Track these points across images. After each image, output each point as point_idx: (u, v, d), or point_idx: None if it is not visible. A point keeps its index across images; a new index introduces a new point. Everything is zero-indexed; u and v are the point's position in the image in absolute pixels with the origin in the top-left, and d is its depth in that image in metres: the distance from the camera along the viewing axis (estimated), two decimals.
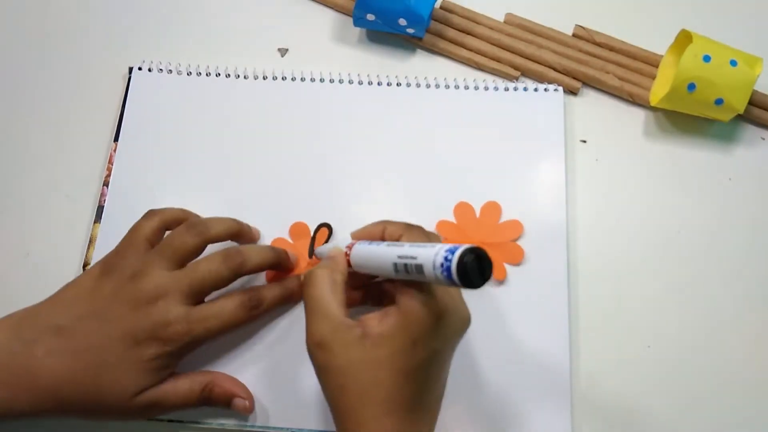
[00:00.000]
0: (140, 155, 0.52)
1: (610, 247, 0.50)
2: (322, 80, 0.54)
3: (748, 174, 0.52)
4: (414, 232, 0.40)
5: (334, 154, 0.52)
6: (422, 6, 0.53)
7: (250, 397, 0.44)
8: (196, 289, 0.41)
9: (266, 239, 0.49)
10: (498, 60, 0.55)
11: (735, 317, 0.48)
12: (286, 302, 0.46)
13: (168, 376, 0.41)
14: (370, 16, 0.54)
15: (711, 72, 0.49)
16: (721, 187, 0.52)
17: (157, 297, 0.40)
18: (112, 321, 0.40)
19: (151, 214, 0.44)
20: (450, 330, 0.38)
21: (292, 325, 0.47)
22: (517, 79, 0.55)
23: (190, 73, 0.55)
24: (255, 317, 0.44)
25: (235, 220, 0.46)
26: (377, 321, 0.37)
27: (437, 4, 0.57)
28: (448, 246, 0.33)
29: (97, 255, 0.49)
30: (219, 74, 0.54)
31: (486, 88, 0.54)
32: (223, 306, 0.42)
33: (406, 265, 0.35)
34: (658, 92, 0.53)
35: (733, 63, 0.50)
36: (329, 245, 0.43)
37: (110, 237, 0.48)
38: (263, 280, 0.47)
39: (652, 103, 0.53)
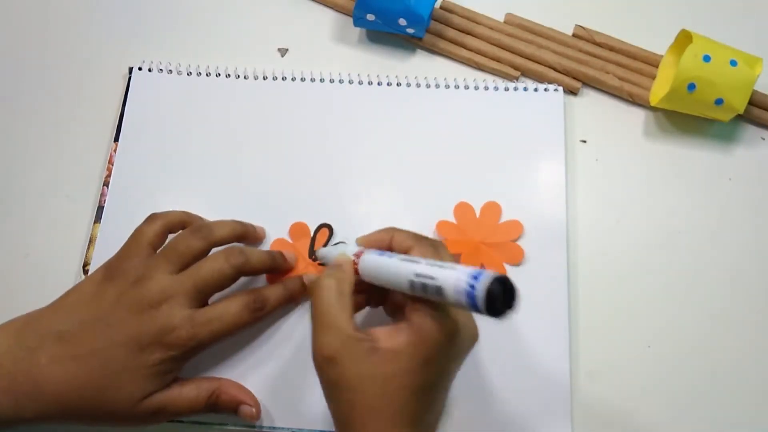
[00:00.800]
0: (140, 155, 0.52)
1: (610, 247, 0.50)
2: (322, 80, 0.54)
3: (748, 174, 0.52)
4: (424, 245, 0.39)
5: (334, 153, 0.52)
6: (422, 6, 0.53)
7: (256, 404, 0.43)
8: (201, 290, 0.41)
9: (268, 239, 0.49)
10: (498, 60, 0.55)
11: (735, 317, 0.48)
12: (288, 303, 0.46)
13: (173, 382, 0.41)
14: (370, 16, 0.54)
15: (711, 72, 0.49)
16: (721, 187, 0.52)
17: (161, 301, 0.40)
18: (116, 326, 0.40)
19: (153, 218, 0.44)
20: (460, 348, 0.38)
21: (294, 326, 0.47)
22: (517, 79, 0.55)
23: (190, 73, 0.55)
24: (259, 319, 0.43)
25: (239, 222, 0.46)
26: (387, 336, 0.36)
27: (437, 4, 0.57)
28: (469, 270, 0.33)
29: (97, 255, 0.49)
30: (219, 74, 0.54)
31: (486, 88, 0.54)
32: (227, 308, 0.42)
33: (424, 285, 0.34)
34: (658, 92, 0.53)
35: (733, 63, 0.50)
36: (335, 250, 0.43)
37: (110, 237, 0.49)
38: (264, 283, 0.47)
39: (652, 103, 0.53)
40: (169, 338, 0.40)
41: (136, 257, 0.42)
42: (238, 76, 0.54)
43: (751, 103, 0.53)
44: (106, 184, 0.51)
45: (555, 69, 0.55)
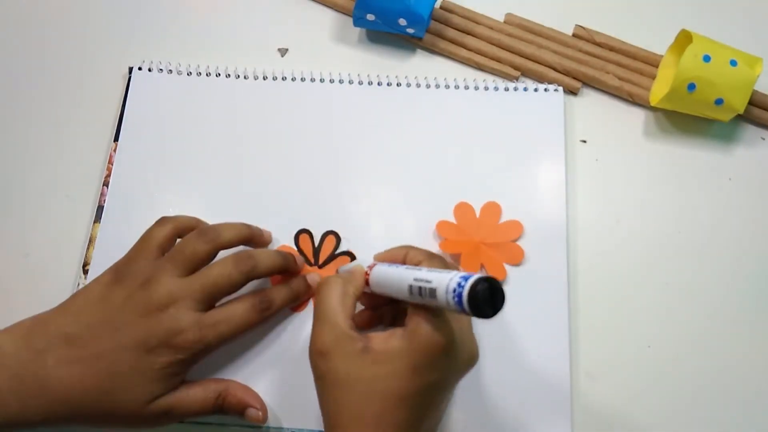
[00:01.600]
0: (140, 155, 0.52)
1: (610, 247, 0.50)
2: (322, 80, 0.54)
3: (748, 174, 0.52)
4: (434, 260, 0.40)
5: (334, 153, 0.52)
6: (422, 6, 0.53)
7: (263, 407, 0.43)
8: (208, 294, 0.41)
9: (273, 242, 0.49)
10: (498, 60, 0.55)
11: (735, 317, 0.48)
12: (293, 302, 0.46)
13: (180, 384, 0.41)
14: (370, 16, 0.54)
15: (711, 72, 0.49)
16: (721, 187, 0.52)
17: (168, 304, 0.40)
18: (123, 329, 0.40)
19: (163, 221, 0.44)
20: (454, 363, 0.37)
21: (300, 327, 0.47)
22: (517, 79, 0.55)
23: (190, 73, 0.55)
24: (265, 319, 0.44)
25: (246, 225, 0.46)
26: (382, 339, 0.37)
27: (437, 4, 0.57)
28: (462, 273, 0.33)
29: (97, 255, 0.49)
30: (219, 74, 0.54)
31: (486, 88, 0.54)
32: (233, 310, 0.42)
33: (420, 288, 0.35)
34: (658, 92, 0.53)
35: (733, 63, 0.50)
36: (352, 263, 0.44)
37: (110, 237, 0.49)
38: (268, 283, 0.47)
39: (652, 103, 0.53)
40: (177, 341, 0.40)
41: (143, 260, 0.42)
42: (238, 76, 0.54)
43: (751, 103, 0.53)
44: (105, 184, 0.51)
45: (555, 69, 0.55)
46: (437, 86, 0.54)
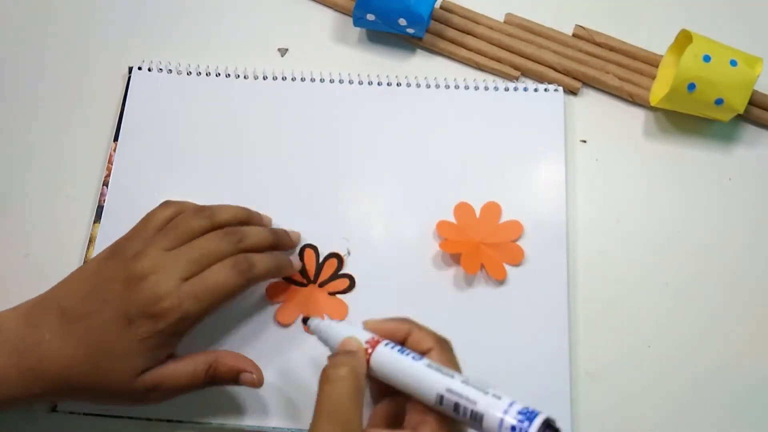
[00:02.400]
0: (140, 155, 0.52)
1: (610, 247, 0.50)
2: (322, 80, 0.54)
3: (748, 174, 0.52)
4: (446, 350, 0.36)
5: (334, 153, 0.52)
6: (422, 6, 0.53)
7: (257, 370, 0.42)
8: (194, 264, 0.41)
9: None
10: (498, 60, 0.55)
11: (735, 317, 0.48)
12: (276, 272, 0.44)
13: (168, 358, 0.40)
14: (370, 16, 0.54)
15: (711, 72, 0.49)
16: (721, 187, 0.52)
17: (149, 273, 0.40)
18: (108, 300, 0.40)
19: (167, 204, 0.44)
20: None
21: (296, 329, 0.47)
22: (517, 79, 0.55)
23: (190, 73, 0.55)
24: (248, 284, 0.42)
25: (244, 208, 0.46)
26: None
27: (437, 4, 0.57)
28: (518, 406, 0.31)
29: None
30: (219, 74, 0.54)
31: (486, 88, 0.54)
32: (213, 274, 0.41)
33: (457, 404, 0.32)
34: (658, 92, 0.53)
35: (733, 63, 0.50)
36: (341, 330, 0.38)
37: (110, 237, 0.48)
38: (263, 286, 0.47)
39: (652, 103, 0.53)
40: (155, 309, 0.39)
41: (139, 238, 0.42)
42: (238, 76, 0.54)
43: (751, 103, 0.53)
44: (105, 183, 0.51)
45: (555, 69, 0.55)
46: (437, 86, 0.54)
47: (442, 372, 0.34)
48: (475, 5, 0.58)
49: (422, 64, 0.56)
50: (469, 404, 0.32)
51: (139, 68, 0.55)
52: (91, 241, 0.49)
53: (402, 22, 0.53)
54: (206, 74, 0.54)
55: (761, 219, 0.51)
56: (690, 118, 0.53)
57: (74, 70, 0.56)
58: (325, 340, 0.39)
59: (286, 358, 0.46)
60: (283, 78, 0.54)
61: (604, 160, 0.53)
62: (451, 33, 0.56)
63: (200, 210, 0.43)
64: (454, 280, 0.48)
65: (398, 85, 0.54)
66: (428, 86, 0.54)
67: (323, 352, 0.39)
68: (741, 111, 0.50)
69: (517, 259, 0.48)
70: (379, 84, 0.54)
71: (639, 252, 0.50)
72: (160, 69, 0.55)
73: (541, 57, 0.55)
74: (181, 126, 0.53)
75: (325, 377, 0.35)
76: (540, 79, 0.55)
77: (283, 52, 0.57)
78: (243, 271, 0.41)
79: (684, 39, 0.52)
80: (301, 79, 0.54)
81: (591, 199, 0.51)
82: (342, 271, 0.48)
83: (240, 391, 0.45)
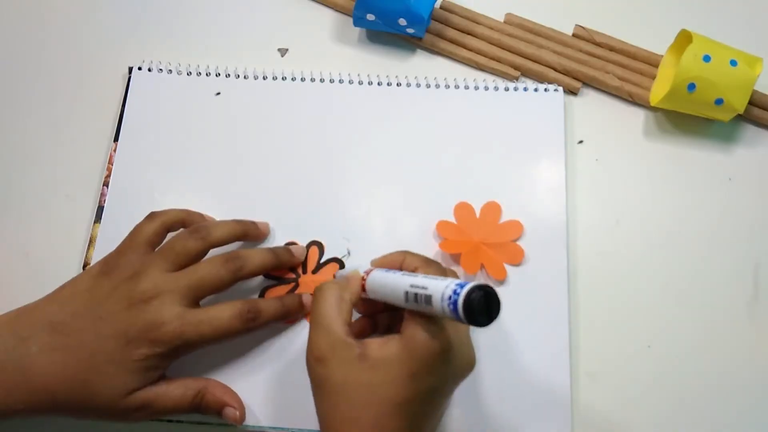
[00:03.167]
0: (140, 155, 0.52)
1: (610, 247, 0.50)
2: (322, 80, 0.54)
3: (748, 174, 0.52)
4: (431, 266, 0.40)
5: (334, 153, 0.52)
6: (422, 6, 0.53)
7: (241, 407, 0.43)
8: (195, 290, 0.41)
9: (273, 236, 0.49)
10: (498, 60, 0.55)
11: (735, 317, 0.48)
12: (283, 318, 0.45)
13: (159, 379, 0.41)
14: (370, 16, 0.54)
15: (711, 72, 0.49)
16: (721, 187, 0.52)
17: (152, 296, 0.40)
18: (106, 319, 0.40)
19: (152, 216, 0.44)
20: (451, 369, 0.37)
21: (296, 328, 0.47)
22: (517, 79, 0.55)
23: (190, 73, 0.55)
24: (250, 330, 0.43)
25: (238, 222, 0.46)
26: (378, 345, 0.37)
27: (437, 4, 0.57)
28: (458, 281, 0.33)
29: (97, 255, 0.48)
30: (219, 74, 0.54)
31: (486, 88, 0.54)
32: (219, 313, 0.41)
33: (416, 294, 0.35)
34: (658, 92, 0.53)
35: (733, 63, 0.50)
36: (349, 269, 0.44)
37: (110, 237, 0.48)
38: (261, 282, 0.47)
39: (652, 103, 0.53)
40: (156, 334, 0.40)
41: (132, 254, 0.42)
42: (238, 76, 0.54)
43: (751, 103, 0.53)
44: (106, 184, 0.51)
45: (555, 69, 0.55)
46: (437, 86, 0.54)
47: (409, 274, 0.37)
48: (475, 5, 0.58)
49: (422, 64, 0.56)
50: (423, 291, 0.35)
51: (139, 68, 0.55)
52: (91, 241, 0.49)
53: (402, 22, 0.53)
54: (206, 74, 0.54)
55: (761, 219, 0.51)
56: (690, 118, 0.53)
57: (74, 70, 0.56)
58: None
59: (287, 356, 0.46)
60: (283, 78, 0.54)
61: (604, 160, 0.53)
62: (451, 33, 0.56)
63: (195, 230, 0.43)
64: None
65: (398, 85, 0.54)
66: (428, 86, 0.54)
67: None
68: (741, 111, 0.50)
69: (517, 259, 0.48)
70: (379, 84, 0.54)
71: (639, 252, 0.50)
72: (160, 69, 0.55)
73: (541, 57, 0.55)
74: (181, 126, 0.53)
75: (315, 293, 0.40)
76: (540, 79, 0.55)
77: (283, 52, 0.57)
78: (247, 320, 0.42)
79: (684, 39, 0.52)
80: (301, 79, 0.54)
81: (591, 199, 0.51)
82: (326, 257, 0.48)
83: (240, 391, 0.45)
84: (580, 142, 0.53)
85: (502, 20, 0.57)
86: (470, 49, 0.56)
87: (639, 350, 0.47)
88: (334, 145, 0.52)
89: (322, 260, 0.48)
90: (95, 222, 0.50)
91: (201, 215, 0.48)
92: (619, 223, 0.51)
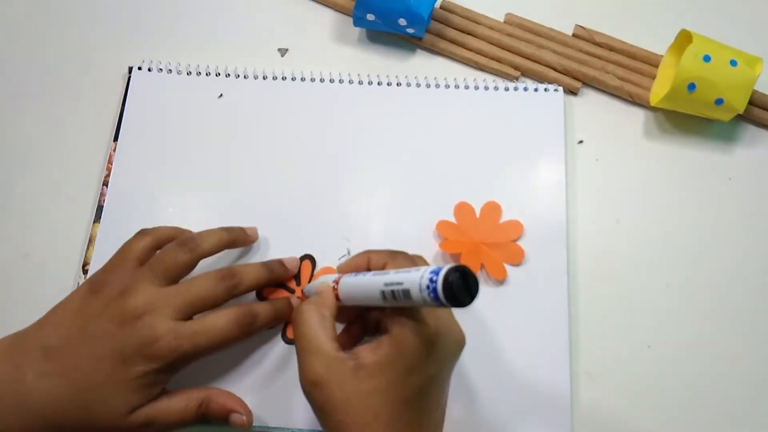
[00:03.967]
0: (140, 155, 0.52)
1: (610, 247, 0.50)
2: (322, 80, 0.54)
3: (748, 174, 0.52)
4: (398, 259, 0.39)
5: (334, 153, 0.52)
6: (422, 6, 0.53)
7: (248, 412, 0.43)
8: (189, 306, 0.41)
9: (262, 240, 0.49)
10: (498, 60, 0.55)
11: (735, 317, 0.48)
12: (278, 322, 0.45)
13: (160, 394, 0.40)
14: (370, 16, 0.54)
15: (711, 72, 0.49)
16: (721, 187, 0.52)
17: (144, 312, 0.39)
18: (100, 339, 0.39)
19: (143, 233, 0.44)
20: (444, 354, 0.38)
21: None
22: (517, 79, 0.55)
23: (190, 73, 0.55)
24: (247, 335, 0.42)
25: (226, 230, 0.46)
26: (370, 351, 0.36)
27: (437, 4, 0.57)
28: (432, 268, 0.33)
29: (97, 255, 0.48)
30: (219, 74, 0.54)
31: (486, 88, 0.54)
32: (214, 322, 0.41)
33: (393, 291, 0.35)
34: (658, 92, 0.53)
35: (733, 63, 0.50)
36: (316, 281, 0.43)
37: (110, 237, 0.49)
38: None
39: (652, 103, 0.53)
40: (151, 350, 0.39)
41: (121, 270, 0.42)
42: (238, 76, 0.54)
43: (751, 103, 0.53)
44: (105, 184, 0.51)
45: (555, 69, 0.55)
46: (437, 86, 0.54)
47: (380, 273, 0.37)
48: (475, 5, 0.58)
49: (422, 64, 0.56)
50: (399, 287, 0.34)
51: (139, 68, 0.55)
52: (91, 241, 0.49)
53: (402, 22, 0.53)
54: (206, 74, 0.54)
55: (761, 219, 0.51)
56: (690, 118, 0.53)
57: (74, 70, 0.56)
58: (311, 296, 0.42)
59: (286, 356, 0.46)
60: (283, 78, 0.54)
61: (604, 160, 0.53)
62: (451, 33, 0.56)
63: (184, 242, 0.43)
64: None
65: (398, 85, 0.54)
66: (428, 86, 0.54)
67: None
68: (741, 111, 0.50)
69: (517, 259, 0.48)
70: (379, 84, 0.54)
71: (639, 252, 0.50)
72: (160, 69, 0.55)
73: (541, 57, 0.55)
74: (181, 126, 0.53)
75: (293, 319, 0.39)
76: (540, 79, 0.55)
77: (283, 52, 0.57)
78: (244, 325, 0.42)
79: (684, 39, 0.52)
80: (301, 79, 0.54)
81: (591, 199, 0.51)
82: (341, 255, 0.48)
83: (240, 391, 0.45)
84: (580, 142, 0.53)
85: (502, 20, 0.57)
86: (470, 49, 0.56)
87: (639, 350, 0.47)
88: (334, 145, 0.52)
89: (315, 272, 0.48)
90: (95, 222, 0.50)
91: (191, 233, 0.46)
92: (619, 222, 0.51)
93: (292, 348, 0.46)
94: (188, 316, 0.41)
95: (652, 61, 0.55)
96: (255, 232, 0.48)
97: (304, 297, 0.46)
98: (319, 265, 0.48)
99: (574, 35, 0.57)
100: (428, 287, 0.32)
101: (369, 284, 0.37)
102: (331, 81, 0.54)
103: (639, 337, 0.48)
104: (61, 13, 0.59)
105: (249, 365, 0.46)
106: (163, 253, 0.42)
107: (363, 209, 0.50)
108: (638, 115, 0.55)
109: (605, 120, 0.54)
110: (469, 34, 0.56)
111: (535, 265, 0.48)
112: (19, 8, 0.59)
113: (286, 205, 0.50)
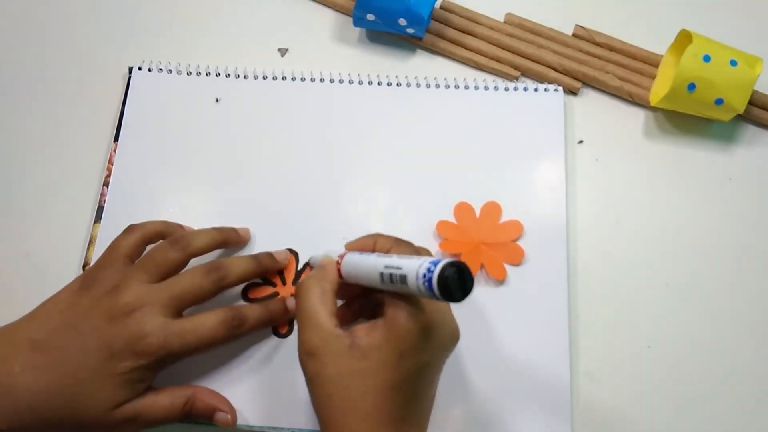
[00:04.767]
0: (140, 155, 0.52)
1: (610, 247, 0.50)
2: (322, 80, 0.54)
3: (748, 174, 0.52)
4: (402, 246, 0.40)
5: (333, 153, 0.52)
6: (422, 6, 0.53)
7: (232, 410, 0.43)
8: (177, 301, 0.41)
9: (262, 239, 0.49)
10: (498, 60, 0.55)
11: (735, 317, 0.48)
12: (269, 324, 0.46)
13: (146, 390, 0.41)
14: (370, 16, 0.54)
15: (711, 72, 0.49)
16: (721, 187, 0.52)
17: (134, 309, 0.40)
18: (88, 334, 0.40)
19: (131, 229, 0.44)
20: (437, 344, 0.38)
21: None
22: (517, 79, 0.55)
23: (190, 73, 0.55)
24: (236, 337, 0.43)
25: (217, 230, 0.46)
26: (365, 332, 0.37)
27: (437, 4, 0.57)
28: (432, 258, 0.34)
29: (97, 255, 0.48)
30: (219, 74, 0.54)
31: (486, 88, 0.54)
32: (203, 321, 0.41)
33: (391, 275, 0.35)
34: (658, 92, 0.53)
35: (733, 63, 0.50)
36: (321, 253, 0.43)
37: (110, 237, 0.48)
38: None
39: (652, 103, 0.53)
40: (140, 346, 0.39)
41: (112, 267, 0.42)
42: (238, 76, 0.54)
43: (751, 103, 0.53)
44: (105, 184, 0.51)
45: (555, 69, 0.55)
46: (437, 86, 0.54)
47: (382, 256, 0.38)
48: (475, 5, 0.58)
49: (422, 64, 0.56)
50: (397, 271, 0.35)
51: (139, 68, 0.55)
52: (91, 241, 0.49)
53: (402, 22, 0.53)
54: (206, 74, 0.54)
55: (761, 219, 0.51)
56: (690, 118, 0.53)
57: (74, 70, 0.56)
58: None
59: (284, 355, 0.46)
60: (283, 78, 0.54)
61: (604, 160, 0.53)
62: (451, 33, 0.56)
63: (175, 240, 0.43)
64: None
65: (398, 85, 0.54)
66: (428, 86, 0.54)
67: None
68: (741, 111, 0.50)
69: (517, 259, 0.48)
70: (379, 84, 0.54)
71: (639, 252, 0.50)
72: (160, 69, 0.55)
73: (541, 57, 0.55)
74: (181, 126, 0.53)
75: (296, 293, 0.40)
76: (540, 79, 0.55)
77: (283, 52, 0.57)
78: (232, 327, 0.42)
79: (684, 39, 0.52)
80: (301, 79, 0.54)
81: (591, 199, 0.51)
82: (302, 265, 0.48)
83: (239, 391, 0.45)
84: (580, 142, 0.53)
85: (502, 20, 0.57)
86: (470, 49, 0.56)
87: (639, 350, 0.47)
88: (334, 145, 0.52)
89: (299, 268, 0.48)
90: (95, 222, 0.50)
91: (180, 226, 0.47)
92: (620, 222, 0.51)
93: (282, 346, 0.46)
94: (177, 311, 0.41)
95: (652, 61, 0.55)
96: (247, 233, 0.48)
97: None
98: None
99: (574, 35, 0.57)
100: (424, 276, 0.33)
101: (370, 264, 0.37)
102: (331, 81, 0.54)
103: (639, 337, 0.48)
104: (61, 13, 0.59)
105: (238, 363, 0.46)
106: (154, 251, 0.43)
107: (363, 209, 0.50)
108: (638, 115, 0.55)
109: (605, 120, 0.54)
110: (469, 34, 0.56)
111: (535, 265, 0.48)
112: (19, 8, 0.59)
113: (286, 205, 0.50)
